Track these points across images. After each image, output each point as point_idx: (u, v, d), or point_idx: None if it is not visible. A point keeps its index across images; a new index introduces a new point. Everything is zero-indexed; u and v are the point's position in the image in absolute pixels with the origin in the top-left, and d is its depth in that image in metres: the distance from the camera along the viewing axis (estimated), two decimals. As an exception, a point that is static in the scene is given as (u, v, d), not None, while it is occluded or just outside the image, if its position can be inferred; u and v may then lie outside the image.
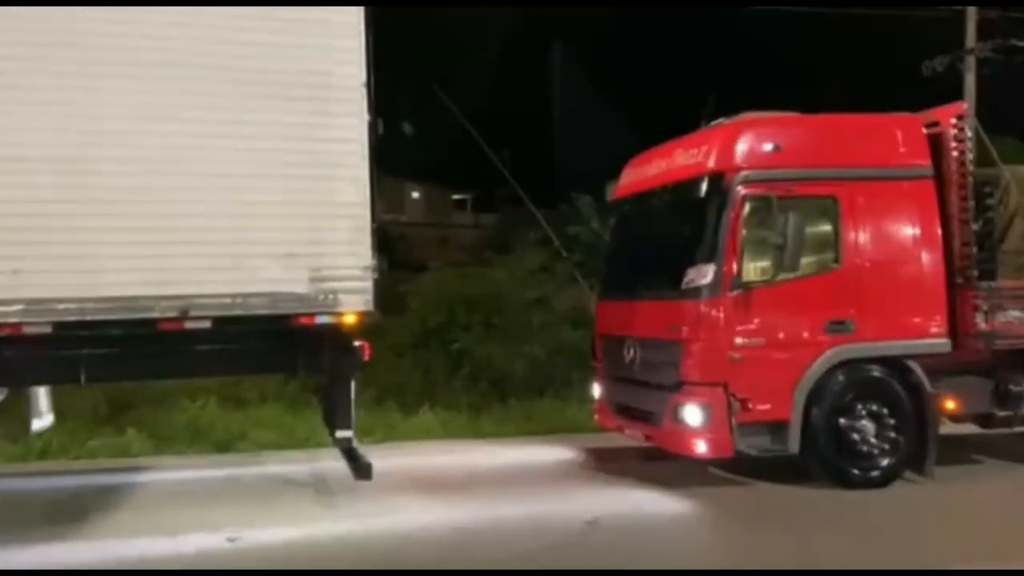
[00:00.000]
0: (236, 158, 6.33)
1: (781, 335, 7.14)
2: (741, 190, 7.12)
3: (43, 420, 7.79)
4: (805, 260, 7.10)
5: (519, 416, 10.89)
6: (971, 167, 7.46)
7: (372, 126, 6.62)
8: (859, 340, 7.20)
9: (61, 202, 6.03)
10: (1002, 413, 7.64)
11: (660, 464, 8.13)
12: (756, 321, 7.10)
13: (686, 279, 7.24)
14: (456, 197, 44.02)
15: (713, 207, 7.20)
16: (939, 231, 7.41)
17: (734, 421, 7.01)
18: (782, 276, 6.97)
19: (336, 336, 6.78)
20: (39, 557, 5.73)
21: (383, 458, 8.04)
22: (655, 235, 8.12)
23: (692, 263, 7.25)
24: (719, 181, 7.18)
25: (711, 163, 7.30)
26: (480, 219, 37.25)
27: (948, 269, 7.41)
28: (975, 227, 7.46)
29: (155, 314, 6.19)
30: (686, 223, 7.55)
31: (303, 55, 6.52)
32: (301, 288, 6.48)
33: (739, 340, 7.06)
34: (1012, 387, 7.63)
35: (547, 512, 6.68)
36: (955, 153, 7.44)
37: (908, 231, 7.41)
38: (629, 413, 8.07)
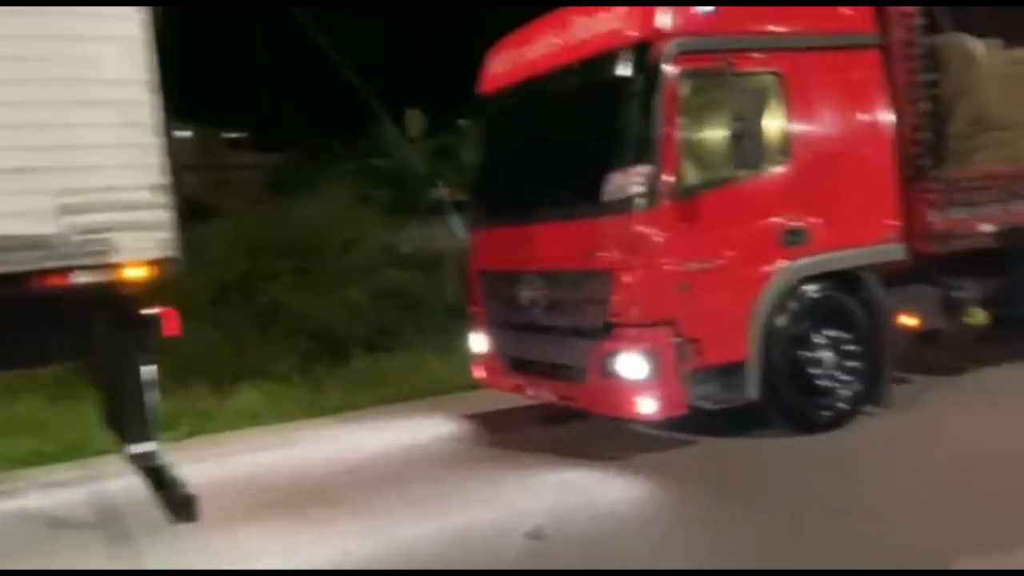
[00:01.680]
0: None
1: (734, 253, 5.59)
2: (677, 64, 5.37)
3: None
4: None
5: (368, 380, 8.74)
6: (919, 35, 6.20)
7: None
8: (814, 252, 5.81)
9: None
10: (948, 324, 6.65)
11: (568, 428, 6.48)
12: (705, 237, 5.49)
13: (609, 188, 5.46)
14: (229, 136, 39.34)
15: (639, 89, 5.41)
16: (889, 113, 6.13)
17: (685, 369, 5.41)
18: (741, 174, 5.36)
19: (113, 302, 4.31)
20: None
21: (198, 463, 5.80)
22: (554, 136, 6.21)
23: (614, 167, 5.47)
24: (646, 53, 5.38)
25: (632, 30, 5.48)
26: (266, 159, 33.38)
27: (898, 158, 6.18)
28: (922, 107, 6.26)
29: None
30: (601, 115, 5.71)
31: None
32: (43, 227, 3.91)
33: (687, 264, 5.42)
34: (956, 294, 6.64)
35: (466, 526, 4.72)
36: (901, 16, 6.15)
37: (856, 113, 6.07)
38: (532, 369, 6.26)
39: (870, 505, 4.50)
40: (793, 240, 5.73)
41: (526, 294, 6.08)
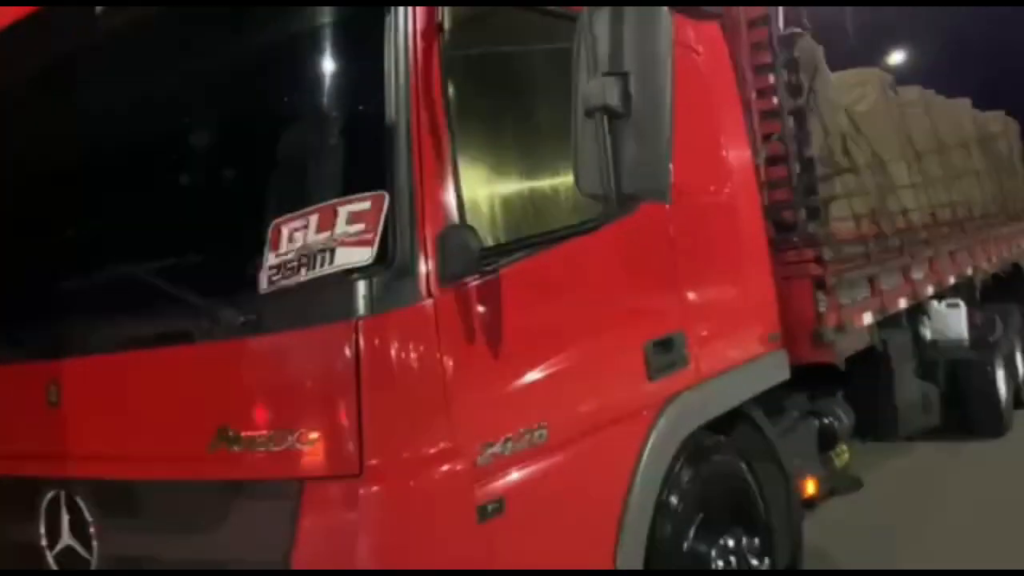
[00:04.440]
0: None
1: (587, 402, 2.42)
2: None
3: None
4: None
5: None
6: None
7: None
8: (695, 379, 2.89)
9: None
10: (822, 471, 4.14)
11: None
12: (522, 368, 2.25)
13: (271, 264, 2.00)
14: None
15: (345, 28, 2.12)
16: (743, 129, 3.57)
17: None
18: (595, 217, 2.22)
19: None
20: None
21: None
22: (123, 134, 2.54)
23: (287, 204, 2.05)
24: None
25: None
26: None
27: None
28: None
29: None
30: (244, 82, 2.29)
31: None
32: None
33: (488, 446, 2.10)
34: (831, 422, 4.22)
35: None
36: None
37: (708, 126, 3.36)
38: None
39: None
40: (665, 361, 2.76)
41: (51, 537, 2.31)
